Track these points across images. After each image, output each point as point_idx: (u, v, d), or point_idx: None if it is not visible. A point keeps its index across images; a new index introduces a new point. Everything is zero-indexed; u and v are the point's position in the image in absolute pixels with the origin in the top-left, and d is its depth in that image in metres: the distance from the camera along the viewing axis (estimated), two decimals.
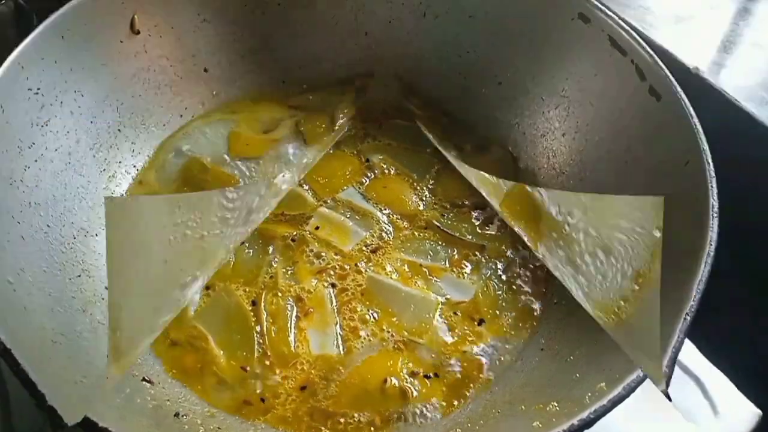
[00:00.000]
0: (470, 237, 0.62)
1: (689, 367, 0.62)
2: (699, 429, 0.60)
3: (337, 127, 0.69)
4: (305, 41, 0.71)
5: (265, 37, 0.70)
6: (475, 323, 0.57)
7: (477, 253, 0.61)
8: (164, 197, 0.60)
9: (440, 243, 0.62)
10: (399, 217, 0.64)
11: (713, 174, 0.50)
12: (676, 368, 0.61)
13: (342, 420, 0.51)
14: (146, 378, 0.52)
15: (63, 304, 0.51)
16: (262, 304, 0.56)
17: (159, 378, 0.52)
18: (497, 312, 0.58)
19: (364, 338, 0.55)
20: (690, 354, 0.63)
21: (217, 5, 0.67)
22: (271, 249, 0.60)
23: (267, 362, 0.53)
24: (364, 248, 0.61)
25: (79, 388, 0.44)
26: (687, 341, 0.53)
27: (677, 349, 0.42)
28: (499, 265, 0.61)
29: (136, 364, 0.52)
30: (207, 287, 0.57)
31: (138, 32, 0.62)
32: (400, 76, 0.72)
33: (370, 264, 0.60)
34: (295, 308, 0.57)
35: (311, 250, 0.60)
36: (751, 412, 0.61)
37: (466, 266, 0.61)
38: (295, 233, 0.61)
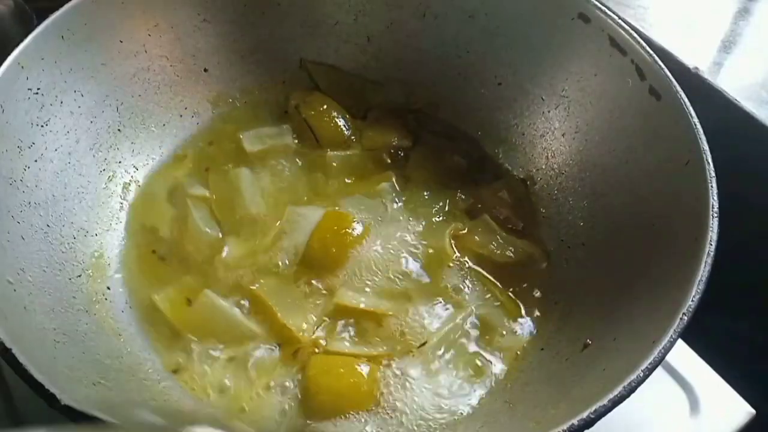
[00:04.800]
0: None
1: (683, 366, 0.62)
2: (692, 427, 0.60)
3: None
4: (305, 42, 0.71)
5: (265, 37, 0.70)
6: None
7: None
8: None
9: None
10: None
11: (713, 174, 0.50)
12: (672, 367, 0.62)
13: None
14: (146, 378, 0.52)
15: (63, 304, 0.51)
16: None
17: (159, 377, 0.52)
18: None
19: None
20: (684, 353, 0.63)
21: (217, 5, 0.67)
22: None
23: None
24: None
25: (88, 388, 0.44)
26: (681, 341, 0.53)
27: (666, 350, 0.42)
28: None
29: (136, 365, 0.52)
30: None
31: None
32: (400, 79, 0.72)
33: None
34: None
35: None
36: (744, 411, 0.61)
37: None
38: None
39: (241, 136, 0.67)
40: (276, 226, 0.61)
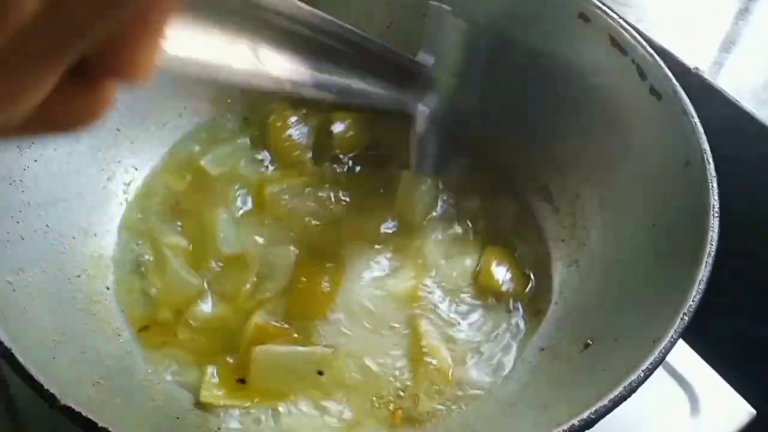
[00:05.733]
0: None
1: (684, 366, 0.62)
2: (692, 427, 0.60)
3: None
4: None
5: None
6: None
7: None
8: None
9: None
10: None
11: (714, 174, 0.50)
12: (672, 367, 0.62)
13: None
14: (146, 378, 0.52)
15: (64, 305, 0.51)
16: None
17: (159, 377, 0.52)
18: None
19: None
20: (684, 353, 0.63)
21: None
22: None
23: None
24: None
25: (88, 388, 0.44)
26: (681, 341, 0.53)
27: (666, 350, 0.42)
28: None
29: (136, 365, 0.52)
30: None
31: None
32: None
33: None
34: None
35: None
36: (744, 411, 0.61)
37: None
38: None
39: (202, 163, 0.64)
40: (251, 269, 0.58)
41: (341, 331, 0.55)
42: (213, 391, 0.51)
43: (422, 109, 0.59)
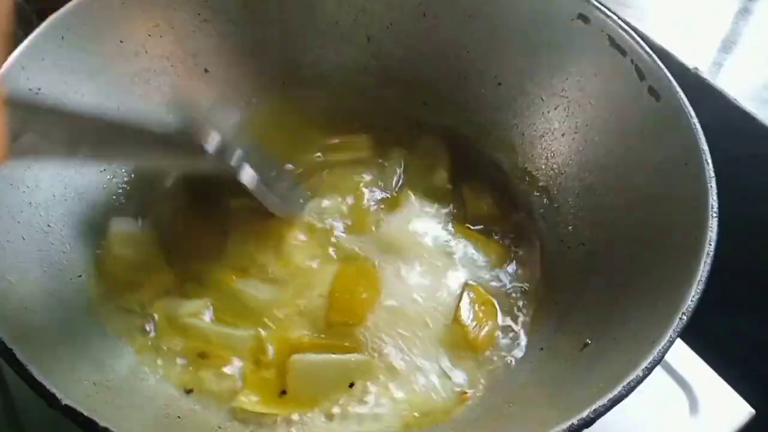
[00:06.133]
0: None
1: (683, 366, 0.63)
2: (692, 427, 0.60)
3: None
4: (305, 42, 0.71)
5: (265, 37, 0.70)
6: None
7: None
8: None
9: None
10: None
11: (713, 174, 0.50)
12: (671, 366, 0.62)
13: None
14: (146, 378, 0.52)
15: (64, 305, 0.51)
16: None
17: (159, 378, 0.52)
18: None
19: None
20: (683, 353, 0.63)
21: (217, 5, 0.67)
22: None
23: None
24: None
25: (88, 388, 0.44)
26: (681, 341, 0.53)
27: (665, 350, 0.42)
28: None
29: (137, 365, 0.52)
30: None
31: None
32: (400, 79, 0.72)
33: None
34: None
35: None
36: (744, 411, 0.61)
37: None
38: None
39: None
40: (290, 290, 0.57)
41: (380, 336, 0.55)
42: (250, 397, 0.51)
43: (244, 171, 0.55)
